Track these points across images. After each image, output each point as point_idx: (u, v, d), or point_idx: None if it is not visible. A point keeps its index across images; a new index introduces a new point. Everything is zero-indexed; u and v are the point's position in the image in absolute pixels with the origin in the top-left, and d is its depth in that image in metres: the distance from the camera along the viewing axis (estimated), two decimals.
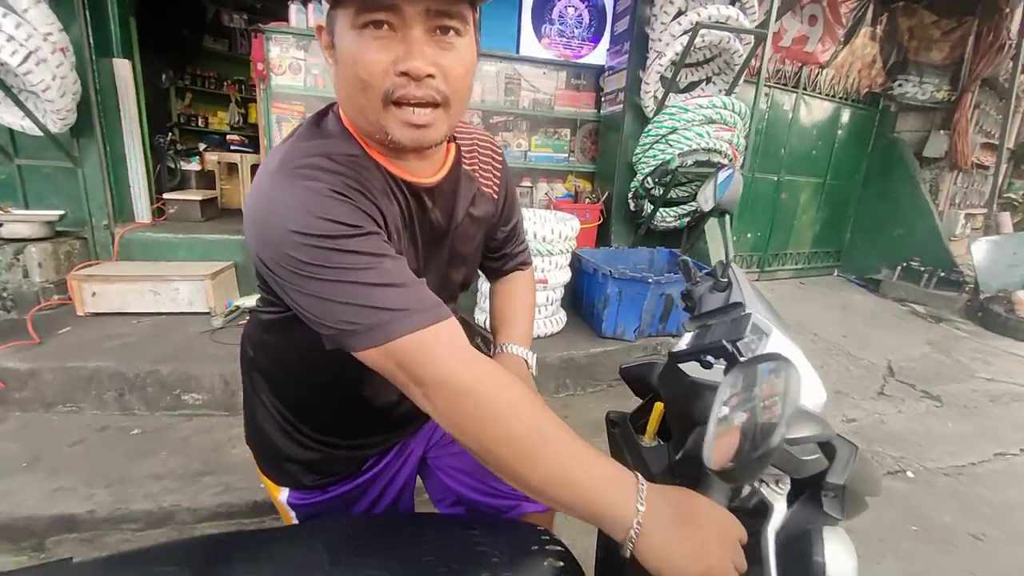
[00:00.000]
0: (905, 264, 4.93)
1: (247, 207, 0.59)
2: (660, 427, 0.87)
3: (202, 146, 4.43)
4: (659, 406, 0.91)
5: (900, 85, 4.99)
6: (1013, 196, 5.55)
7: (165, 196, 3.34)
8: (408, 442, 0.92)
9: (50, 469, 1.75)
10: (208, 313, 2.70)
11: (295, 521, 0.86)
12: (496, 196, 0.85)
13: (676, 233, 3.42)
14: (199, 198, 3.37)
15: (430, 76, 0.56)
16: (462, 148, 0.78)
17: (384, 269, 0.55)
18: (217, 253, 2.96)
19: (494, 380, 0.53)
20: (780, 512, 0.58)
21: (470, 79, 0.62)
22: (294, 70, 3.08)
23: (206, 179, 4.12)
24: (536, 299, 1.03)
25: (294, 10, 3.03)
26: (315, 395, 0.79)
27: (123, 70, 2.93)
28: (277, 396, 0.80)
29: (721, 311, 0.76)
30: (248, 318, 0.83)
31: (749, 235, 4.81)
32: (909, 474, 2.21)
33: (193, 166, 3.97)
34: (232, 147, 4.47)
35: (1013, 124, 5.15)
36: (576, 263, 2.89)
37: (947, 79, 4.96)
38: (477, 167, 0.81)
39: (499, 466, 0.52)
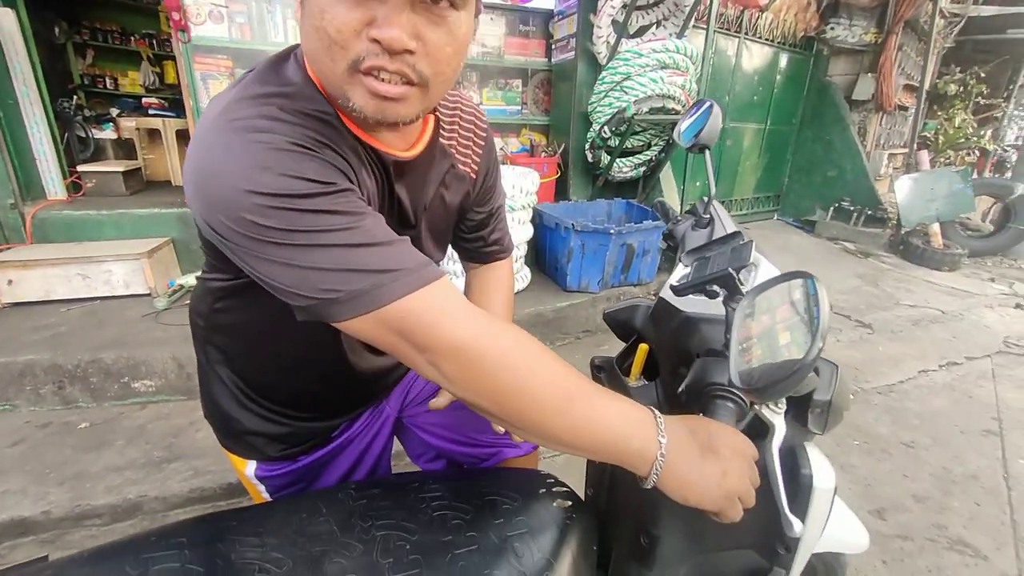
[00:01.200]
0: (837, 204, 5.26)
1: (187, 167, 0.50)
2: (644, 367, 0.90)
3: (115, 111, 3.97)
4: (643, 347, 0.94)
5: (832, 28, 5.15)
6: (927, 135, 5.97)
7: (80, 169, 2.98)
8: (381, 405, 0.89)
9: None
10: (148, 295, 2.50)
11: (265, 496, 0.81)
12: (474, 176, 0.77)
13: (632, 184, 3.46)
14: (121, 169, 3.04)
15: (408, 52, 0.47)
16: (442, 120, 0.70)
17: (365, 228, 0.48)
18: (149, 229, 2.72)
19: (508, 338, 0.50)
20: (781, 429, 0.61)
21: (460, 60, 0.53)
22: (215, 18, 2.77)
23: (125, 148, 3.71)
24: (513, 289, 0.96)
25: None
26: (278, 368, 0.73)
27: (6, 20, 2.52)
28: (234, 369, 0.74)
29: (718, 242, 0.77)
30: (194, 287, 0.75)
31: (696, 183, 4.94)
32: (850, 396, 2.43)
33: (108, 134, 3.56)
34: (151, 111, 4.03)
35: (931, 65, 5.47)
36: (537, 219, 2.87)
37: (874, 21, 5.16)
38: (456, 141, 0.73)
39: (520, 422, 0.50)
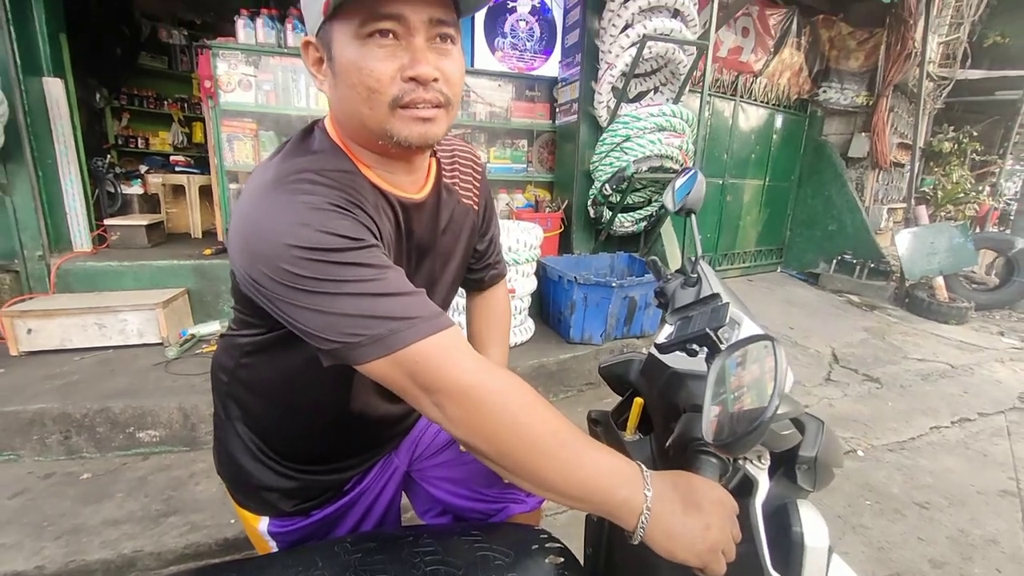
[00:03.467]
0: (840, 257, 5.31)
1: (235, 224, 0.58)
2: (640, 421, 0.92)
3: (143, 168, 4.20)
4: (638, 401, 0.96)
5: (824, 91, 5.41)
6: (926, 190, 6.10)
7: (106, 222, 3.14)
8: (391, 458, 0.92)
9: None
10: (161, 344, 2.56)
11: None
12: (476, 207, 0.86)
13: (634, 238, 3.55)
14: (144, 223, 3.19)
15: (435, 80, 0.59)
16: (442, 161, 0.79)
17: (388, 280, 0.55)
18: (167, 280, 2.82)
19: (506, 384, 0.54)
20: (764, 485, 0.63)
21: (463, 83, 0.65)
22: (244, 86, 3.00)
23: (150, 203, 3.90)
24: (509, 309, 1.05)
25: (241, 25, 2.96)
26: (296, 422, 0.77)
27: (55, 89, 2.75)
28: (253, 425, 0.78)
29: (700, 303, 0.81)
30: (218, 344, 0.80)
31: (700, 237, 5.04)
32: (859, 452, 2.38)
33: (135, 189, 3.76)
34: (177, 168, 4.26)
35: (922, 125, 5.67)
36: (541, 271, 2.94)
37: (865, 85, 5.42)
38: (457, 179, 0.82)
39: (514, 467, 0.53)
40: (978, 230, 6.05)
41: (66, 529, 1.58)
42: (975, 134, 6.29)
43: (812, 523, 0.77)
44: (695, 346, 0.71)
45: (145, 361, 2.42)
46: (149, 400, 2.08)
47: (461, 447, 0.60)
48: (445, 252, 0.80)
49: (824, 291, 5.21)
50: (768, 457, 0.68)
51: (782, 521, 0.75)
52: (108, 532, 1.58)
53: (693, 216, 1.08)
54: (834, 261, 5.34)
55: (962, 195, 5.93)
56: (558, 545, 0.73)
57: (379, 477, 0.89)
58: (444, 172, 0.79)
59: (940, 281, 4.69)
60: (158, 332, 2.56)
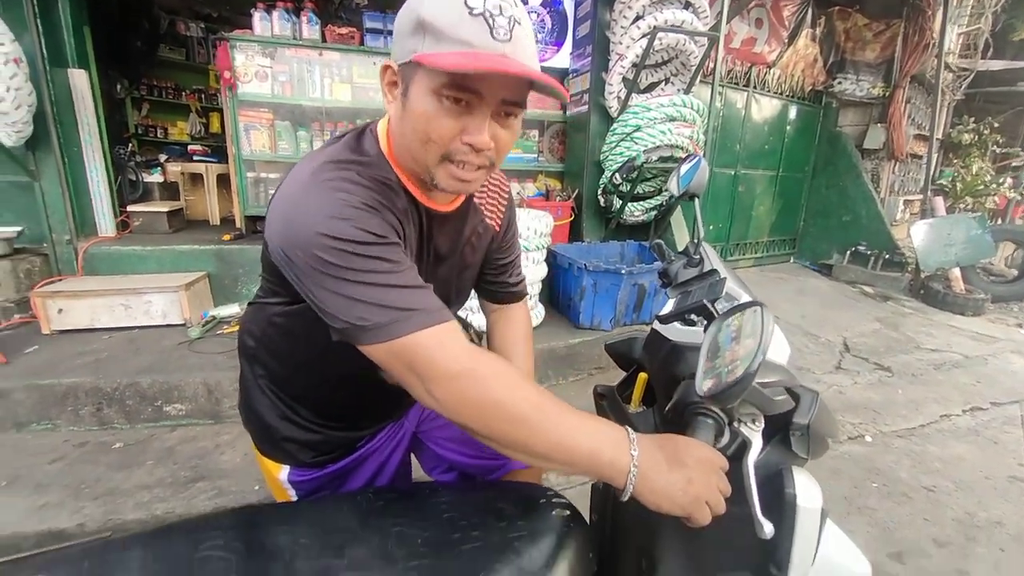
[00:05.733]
0: (854, 248, 5.27)
1: (277, 206, 0.64)
2: (644, 395, 0.96)
3: (163, 157, 4.31)
4: (642, 376, 1.01)
5: (840, 83, 5.34)
6: (944, 182, 6.01)
7: (129, 208, 3.24)
8: (400, 422, 0.98)
9: (32, 486, 1.70)
10: (184, 325, 2.66)
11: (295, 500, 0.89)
12: (498, 228, 0.92)
13: (644, 227, 3.57)
14: (165, 209, 3.29)
15: (487, 149, 0.64)
16: None
17: (400, 274, 0.61)
18: (188, 264, 2.91)
19: (492, 368, 0.60)
20: (757, 446, 0.67)
21: (512, 145, 0.70)
22: (260, 77, 3.07)
23: (170, 190, 4.01)
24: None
25: (258, 18, 3.02)
26: (315, 384, 0.83)
27: (79, 80, 2.85)
28: (276, 384, 0.84)
29: (699, 278, 0.86)
30: (246, 310, 0.86)
31: (711, 227, 5.04)
32: (867, 438, 2.39)
33: (155, 177, 3.86)
34: (195, 157, 4.36)
35: (940, 117, 5.59)
36: (551, 259, 2.98)
37: (881, 76, 5.35)
38: (485, 200, 0.89)
39: (504, 443, 0.58)
40: (999, 222, 5.95)
41: (102, 492, 1.67)
42: (996, 125, 6.17)
43: (805, 486, 0.81)
44: (693, 316, 0.76)
45: (169, 340, 2.51)
46: (174, 376, 2.17)
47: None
48: (462, 262, 0.87)
49: (837, 282, 5.18)
50: (762, 421, 0.72)
51: (776, 485, 0.79)
52: (141, 495, 1.67)
53: (696, 200, 1.12)
54: (848, 252, 5.30)
55: (982, 187, 5.84)
56: (564, 501, 0.78)
57: (389, 438, 0.95)
58: (476, 193, 0.86)
59: (956, 272, 4.64)
60: (181, 313, 2.65)
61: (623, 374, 1.05)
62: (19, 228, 2.72)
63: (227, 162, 3.68)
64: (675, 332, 0.85)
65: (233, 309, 2.82)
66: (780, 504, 0.72)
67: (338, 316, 0.59)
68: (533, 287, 2.81)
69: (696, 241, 1.02)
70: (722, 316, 0.69)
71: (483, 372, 0.59)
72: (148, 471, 1.81)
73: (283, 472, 0.86)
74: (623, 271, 2.67)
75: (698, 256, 0.97)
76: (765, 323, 0.57)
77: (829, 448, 0.85)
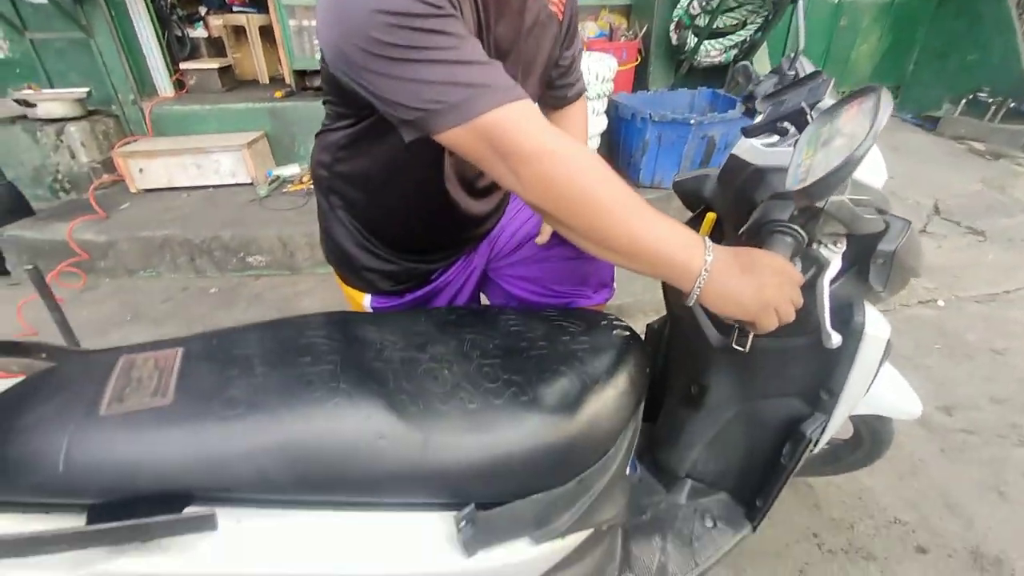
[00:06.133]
0: (972, 96, 4.46)
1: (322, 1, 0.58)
2: (711, 235, 0.93)
3: (203, 10, 4.11)
4: (710, 216, 0.96)
5: None
6: None
7: (182, 66, 3.21)
8: (471, 257, 1.01)
9: (151, 320, 1.99)
10: (251, 184, 2.78)
11: None
12: (561, 17, 0.83)
13: (721, 71, 3.15)
14: (216, 66, 3.23)
15: None
16: None
17: (466, 49, 0.55)
18: (245, 123, 2.93)
19: (580, 152, 0.56)
20: (835, 268, 0.65)
21: None
22: None
23: (216, 47, 3.89)
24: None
25: None
26: (390, 211, 0.84)
27: None
28: (353, 214, 0.86)
29: (797, 83, 0.75)
30: (315, 142, 0.86)
31: (805, 27, 4.37)
32: (940, 303, 2.28)
33: (200, 32, 3.73)
34: (235, 8, 4.13)
35: None
36: (612, 110, 2.75)
37: None
38: None
39: (584, 230, 0.57)
40: None
41: (210, 325, 1.91)
42: None
43: (874, 317, 0.79)
44: (787, 124, 0.68)
45: (241, 198, 2.65)
46: (251, 230, 2.34)
47: (535, 212, 0.64)
48: (526, 60, 0.78)
49: (941, 137, 4.51)
50: (844, 243, 0.68)
51: (845, 315, 0.77)
52: None
53: (800, 3, 0.95)
54: (963, 101, 4.51)
55: None
56: (624, 324, 0.81)
57: (461, 272, 1.00)
58: None
59: None
60: (247, 172, 2.76)
61: (688, 217, 1.02)
62: (86, 89, 2.79)
63: (268, 12, 3.47)
64: (757, 155, 0.78)
65: (294, 169, 2.89)
66: (846, 332, 0.72)
67: (408, 105, 0.55)
68: (592, 142, 2.64)
69: (794, 55, 0.88)
70: (827, 111, 0.61)
71: (571, 155, 0.56)
72: (242, 311, 2.06)
73: (366, 299, 0.94)
74: (692, 121, 2.44)
75: (793, 72, 0.85)
76: (883, 105, 0.49)
77: (906, 285, 0.81)
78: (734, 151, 0.86)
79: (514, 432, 0.56)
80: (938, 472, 1.43)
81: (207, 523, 0.42)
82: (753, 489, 0.97)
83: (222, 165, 2.73)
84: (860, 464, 1.22)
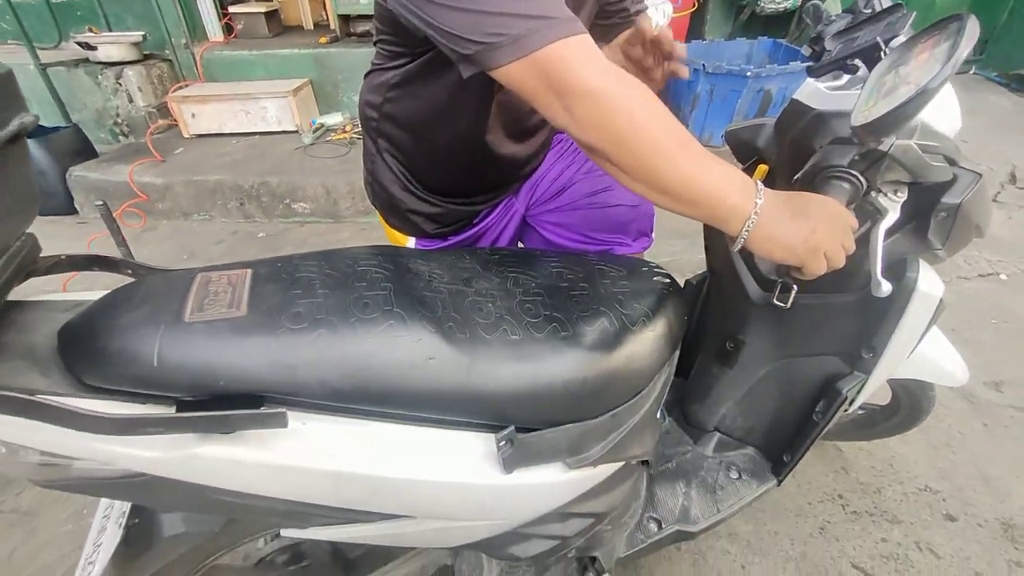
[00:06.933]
0: None
1: None
2: None
3: None
4: (762, 168, 0.93)
5: None
6: None
7: (230, 9, 3.23)
8: (512, 201, 1.02)
9: (206, 260, 2.11)
10: (296, 132, 2.83)
11: None
12: None
13: (784, 19, 2.93)
14: (263, 10, 3.24)
15: None
16: None
17: None
18: (290, 70, 2.96)
19: (635, 90, 0.55)
20: (892, 217, 0.62)
21: None
22: None
23: None
24: None
25: None
26: (437, 153, 0.86)
27: None
28: (400, 157, 0.88)
29: (873, 18, 0.71)
30: (363, 83, 0.87)
31: None
32: (1003, 276, 2.15)
33: None
34: None
35: None
36: None
37: None
38: None
39: (635, 170, 0.57)
40: None
41: None
42: None
43: (928, 274, 0.76)
44: (857, 62, 0.64)
45: (287, 146, 2.71)
46: (296, 177, 2.41)
47: (585, 153, 0.64)
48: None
49: None
50: (905, 192, 0.65)
51: (898, 271, 0.75)
52: None
53: None
54: None
55: None
56: (665, 271, 0.81)
57: (502, 216, 1.01)
58: None
59: None
60: (292, 120, 2.80)
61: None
62: (142, 33, 2.86)
63: None
64: (820, 99, 0.74)
65: (337, 118, 2.92)
66: (896, 287, 0.70)
67: (468, 38, 0.54)
68: None
69: None
70: (904, 43, 0.58)
71: (626, 91, 0.55)
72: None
73: (410, 242, 0.98)
74: (748, 73, 2.30)
75: (869, 10, 0.79)
76: (967, 32, 0.46)
77: (967, 245, 0.78)
78: (795, 96, 0.82)
79: (554, 364, 0.59)
80: (978, 446, 1.40)
81: (279, 420, 0.47)
82: (781, 445, 0.98)
83: (269, 112, 2.78)
84: (894, 431, 1.21)
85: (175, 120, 2.82)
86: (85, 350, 0.48)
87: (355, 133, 2.73)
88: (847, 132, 0.66)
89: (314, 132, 2.77)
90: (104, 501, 0.70)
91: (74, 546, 1.15)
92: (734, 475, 1.02)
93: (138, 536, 0.64)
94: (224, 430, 0.48)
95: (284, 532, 0.63)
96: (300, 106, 2.79)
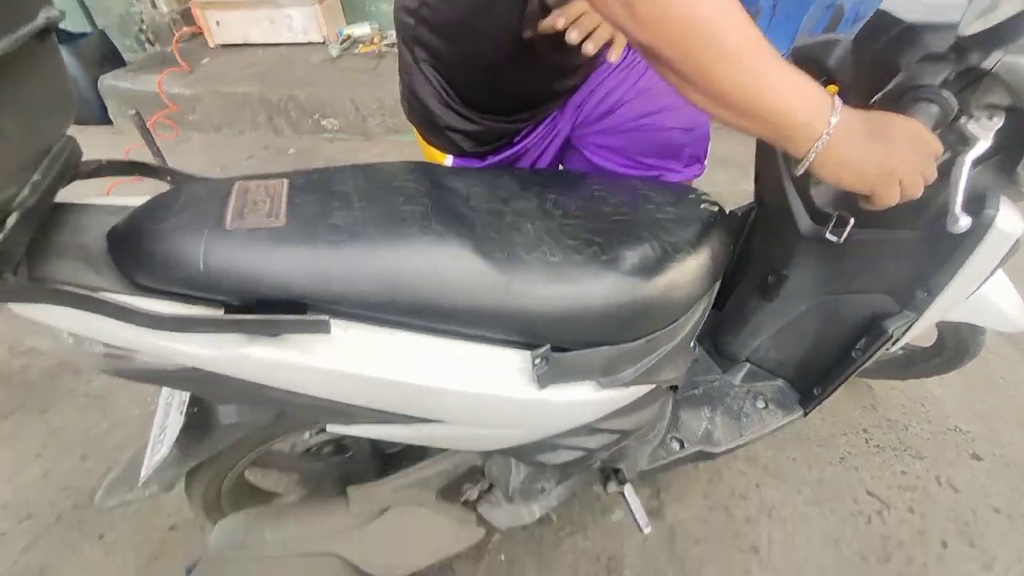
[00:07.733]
0: None
1: None
2: None
3: None
4: (831, 88, 0.84)
5: None
6: None
7: None
8: (556, 120, 0.96)
9: (238, 172, 2.12)
10: (323, 43, 2.70)
11: None
12: None
13: None
14: None
15: None
16: None
17: None
18: None
19: None
20: (983, 145, 0.56)
21: None
22: None
23: None
24: None
25: None
26: (475, 63, 0.80)
27: None
28: (437, 67, 0.83)
29: None
30: None
31: None
32: None
33: None
34: None
35: None
36: None
37: None
38: None
39: (696, 76, 0.50)
40: None
41: None
42: None
43: (1008, 212, 0.70)
44: None
45: (314, 58, 2.61)
46: (324, 91, 2.33)
47: (643, 57, 0.57)
48: None
49: None
50: (1001, 119, 0.58)
51: (975, 207, 0.69)
52: None
53: None
54: None
55: None
56: (712, 199, 0.77)
57: (545, 136, 0.96)
58: None
59: None
60: (319, 30, 2.67)
61: None
62: None
63: None
64: (913, 8, 0.65)
65: (364, 29, 2.76)
66: (976, 222, 0.65)
67: None
68: None
69: None
70: None
71: None
72: None
73: (448, 160, 0.94)
74: None
75: None
76: None
77: None
78: (882, 6, 0.72)
79: (592, 287, 0.58)
80: (1019, 392, 1.36)
81: (322, 327, 0.48)
82: (813, 379, 0.97)
83: (294, 20, 2.65)
84: (933, 372, 1.18)
85: (199, 28, 2.72)
86: (134, 253, 0.48)
87: (384, 45, 2.59)
88: (941, 48, 0.58)
89: (341, 44, 2.64)
90: (166, 390, 0.75)
91: (140, 428, 1.26)
92: (760, 404, 1.02)
93: (198, 423, 0.69)
94: (270, 333, 0.50)
95: (329, 428, 0.67)
96: (326, 15, 2.64)
